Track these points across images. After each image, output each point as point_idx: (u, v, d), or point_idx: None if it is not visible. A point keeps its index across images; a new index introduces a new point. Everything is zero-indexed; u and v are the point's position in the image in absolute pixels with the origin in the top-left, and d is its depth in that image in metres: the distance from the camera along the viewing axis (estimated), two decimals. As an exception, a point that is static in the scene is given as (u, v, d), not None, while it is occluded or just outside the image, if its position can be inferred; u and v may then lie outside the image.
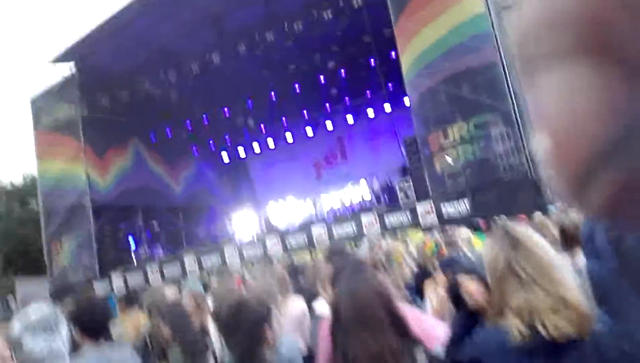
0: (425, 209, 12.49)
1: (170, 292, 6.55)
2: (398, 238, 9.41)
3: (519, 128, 11.79)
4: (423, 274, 5.61)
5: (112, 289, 15.27)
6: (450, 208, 11.96)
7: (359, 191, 18.52)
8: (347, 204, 18.10)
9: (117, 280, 16.00)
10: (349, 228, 13.58)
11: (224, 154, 23.95)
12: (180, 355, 2.95)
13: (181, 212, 21.81)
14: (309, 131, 22.18)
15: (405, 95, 13.61)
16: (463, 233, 6.45)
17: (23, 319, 2.10)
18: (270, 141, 23.13)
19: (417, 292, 5.58)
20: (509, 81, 12.18)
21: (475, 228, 7.41)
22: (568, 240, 4.54)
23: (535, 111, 0.32)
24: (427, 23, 12.32)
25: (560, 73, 0.29)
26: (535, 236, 1.63)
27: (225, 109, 21.11)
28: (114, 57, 16.97)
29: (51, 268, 17.56)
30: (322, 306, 3.86)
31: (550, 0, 0.29)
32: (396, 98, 18.06)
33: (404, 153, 15.42)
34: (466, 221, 9.42)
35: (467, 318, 1.89)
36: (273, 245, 14.46)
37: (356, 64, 18.65)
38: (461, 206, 11.77)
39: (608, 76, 0.27)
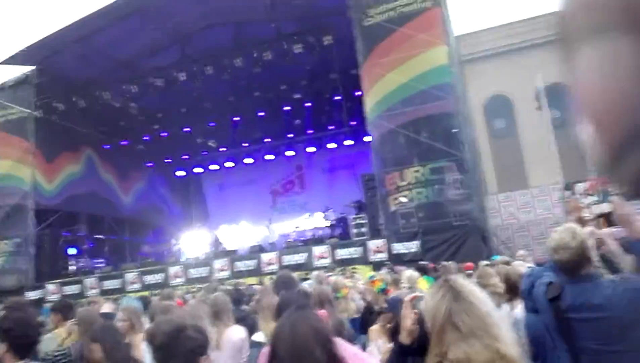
0: (376, 247, 12.65)
1: (107, 308, 6.35)
2: (347, 272, 9.49)
3: (471, 176, 12.24)
4: (369, 311, 5.67)
5: (45, 300, 14.48)
6: (401, 248, 12.16)
7: (313, 222, 18.58)
8: (299, 233, 18.11)
9: (52, 290, 15.22)
10: (299, 258, 13.53)
11: (180, 171, 23.59)
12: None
13: (128, 225, 21.17)
14: (269, 156, 22.21)
15: (367, 133, 13.91)
16: (409, 274, 6.60)
17: None
18: (228, 163, 22.96)
19: (362, 327, 5.62)
20: (465, 131, 12.72)
21: (424, 271, 7.56)
22: (511, 290, 4.73)
23: (574, 85, 0.33)
24: (391, 69, 12.77)
25: (602, 48, 0.30)
26: (476, 290, 1.71)
27: (186, 127, 20.88)
28: (76, 64, 16.60)
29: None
30: (261, 337, 3.83)
31: None
32: (357, 134, 18.43)
33: (361, 189, 15.67)
34: (415, 262, 9.60)
35: (400, 353, 1.93)
36: (221, 268, 14.20)
37: (321, 98, 18.98)
38: (412, 247, 11.98)
39: None
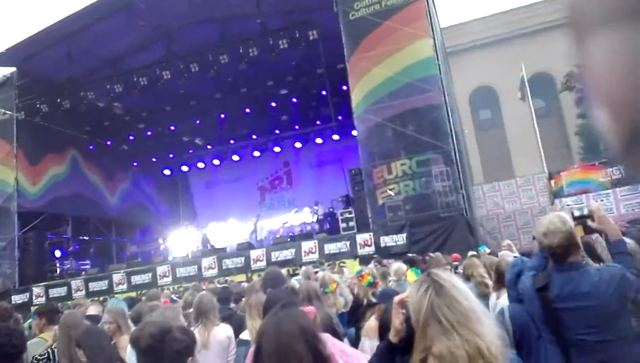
0: (364, 240, 12.68)
1: (93, 310, 6.28)
2: (336, 267, 9.50)
3: (457, 168, 12.32)
4: (357, 305, 5.68)
5: (31, 303, 14.31)
6: (389, 241, 12.20)
7: (301, 217, 18.59)
8: (288, 229, 18.10)
9: (38, 293, 15.04)
10: (288, 254, 13.52)
11: (166, 170, 23.41)
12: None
13: (114, 225, 20.98)
14: (256, 153, 22.12)
15: (354, 127, 13.91)
16: (396, 267, 6.62)
17: None
18: (215, 161, 22.83)
19: (350, 322, 5.63)
20: (451, 123, 12.78)
21: (412, 263, 7.60)
22: (500, 280, 4.76)
23: (587, 70, 0.33)
24: (377, 62, 12.78)
25: (618, 34, 0.30)
26: (459, 284, 1.71)
27: (172, 125, 20.71)
28: (58, 64, 16.34)
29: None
30: (247, 336, 3.82)
31: None
32: (344, 129, 18.42)
33: (349, 183, 15.68)
34: (403, 255, 9.65)
35: (387, 351, 1.93)
36: (208, 266, 14.14)
37: (308, 93, 18.92)
38: (399, 240, 12.04)
39: None
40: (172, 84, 16.73)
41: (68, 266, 17.97)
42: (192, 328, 4.24)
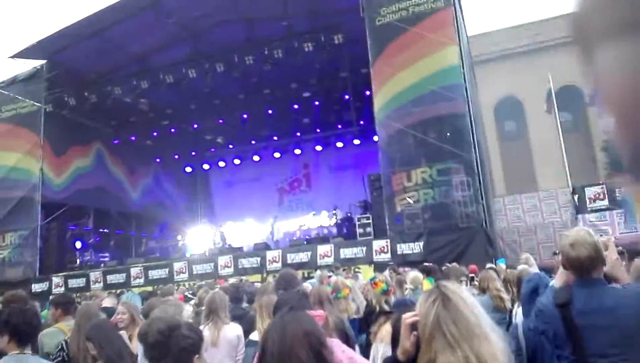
0: (380, 247, 12.59)
1: (108, 302, 6.36)
2: (350, 273, 9.46)
3: (478, 178, 12.15)
4: (370, 312, 5.63)
5: (51, 292, 14.59)
6: (405, 248, 12.10)
7: (318, 221, 18.57)
8: (305, 231, 18.10)
9: (57, 283, 15.32)
10: (303, 256, 13.51)
11: (188, 167, 23.66)
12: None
13: (135, 219, 21.29)
14: (277, 154, 22.20)
15: (375, 132, 13.84)
16: (413, 275, 6.56)
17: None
18: (236, 160, 22.98)
19: (362, 329, 5.58)
20: (474, 132, 12.62)
21: (428, 272, 7.52)
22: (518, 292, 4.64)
23: (595, 82, 0.32)
24: (402, 68, 12.69)
25: (624, 47, 0.29)
26: (468, 298, 1.68)
27: (195, 123, 20.94)
28: (87, 59, 16.69)
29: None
30: (257, 336, 3.81)
31: None
32: (366, 134, 18.36)
33: (367, 188, 15.61)
34: (419, 263, 9.55)
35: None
36: (224, 265, 14.22)
37: (331, 97, 18.92)
38: (416, 248, 11.92)
39: None
40: (197, 82, 16.93)
41: (88, 257, 18.27)
42: (202, 326, 4.27)
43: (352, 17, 13.89)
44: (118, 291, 11.94)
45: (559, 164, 18.14)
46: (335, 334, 3.52)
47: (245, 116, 20.71)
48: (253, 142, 22.35)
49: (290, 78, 17.96)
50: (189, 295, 7.90)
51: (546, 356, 2.57)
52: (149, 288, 13.12)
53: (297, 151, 21.94)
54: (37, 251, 16.10)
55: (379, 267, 11.20)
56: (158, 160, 22.79)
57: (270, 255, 13.97)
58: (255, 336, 4.00)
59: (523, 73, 25.73)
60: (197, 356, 2.07)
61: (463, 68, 12.77)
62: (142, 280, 14.74)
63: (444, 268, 8.35)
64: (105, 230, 19.89)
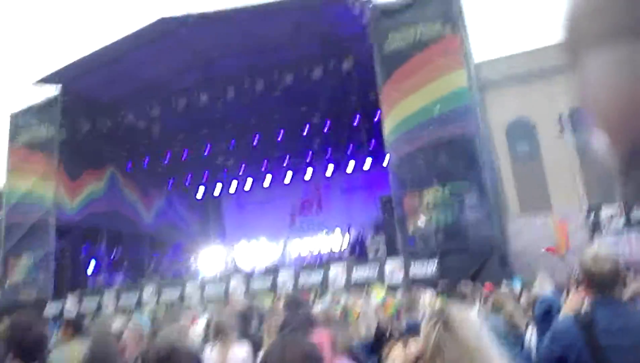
0: (393, 267, 12.47)
1: (118, 322, 6.35)
2: (362, 292, 9.34)
3: (491, 199, 12.04)
4: (380, 333, 5.54)
5: (63, 314, 14.62)
6: (418, 269, 11.96)
7: (330, 241, 18.47)
8: (317, 253, 18.00)
9: (70, 304, 15.37)
10: (315, 277, 13.42)
11: (200, 189, 23.80)
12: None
13: (147, 241, 21.37)
14: (288, 177, 22.24)
15: (385, 154, 13.85)
16: (428, 297, 6.45)
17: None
18: (247, 182, 23.08)
19: (372, 350, 5.47)
20: (485, 154, 12.56)
21: (440, 291, 7.41)
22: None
23: (582, 91, 0.32)
24: (411, 92, 12.78)
25: (611, 54, 0.29)
26: (471, 323, 1.65)
27: (207, 146, 21.17)
28: (101, 86, 17.10)
29: (4, 283, 16.85)
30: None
31: None
32: (376, 156, 18.35)
33: (379, 210, 15.54)
34: (432, 282, 9.42)
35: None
36: (236, 286, 14.15)
37: (341, 120, 19.04)
38: (429, 268, 11.78)
39: None
40: (208, 107, 17.20)
41: (101, 279, 18.35)
42: (209, 346, 4.24)
43: (360, 43, 14.10)
44: (128, 313, 11.91)
45: (573, 185, 17.90)
46: (342, 357, 3.46)
47: (256, 139, 20.89)
48: (264, 164, 22.45)
49: (301, 102, 18.15)
50: (201, 317, 7.86)
51: None
52: (161, 309, 13.10)
53: (309, 174, 21.97)
54: (51, 274, 16.23)
55: (392, 288, 11.05)
56: (170, 183, 23.01)
57: (282, 276, 13.89)
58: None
59: (534, 95, 25.59)
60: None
61: (471, 91, 12.79)
62: (154, 302, 14.73)
63: (462, 288, 8.20)
64: (118, 252, 19.99)
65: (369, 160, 19.49)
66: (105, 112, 17.97)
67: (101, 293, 15.64)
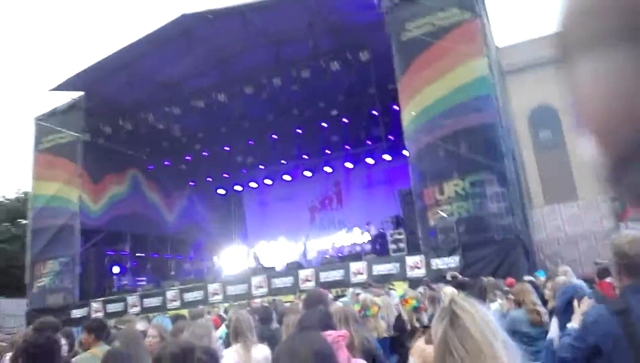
0: (414, 263, 12.34)
1: (140, 326, 6.41)
2: (382, 289, 9.26)
3: (513, 189, 11.80)
4: (400, 330, 5.46)
5: (90, 317, 14.87)
6: (440, 263, 11.81)
7: (351, 238, 18.41)
8: (337, 249, 17.96)
9: (96, 308, 15.63)
10: (336, 274, 13.37)
11: (220, 189, 23.98)
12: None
13: (170, 243, 21.64)
14: (307, 173, 22.25)
15: (405, 147, 13.69)
16: (449, 292, 6.34)
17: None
18: (267, 180, 23.16)
19: (393, 348, 5.40)
20: (507, 142, 12.31)
21: (463, 287, 7.29)
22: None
23: (573, 95, 0.32)
24: (429, 82, 12.56)
25: (602, 58, 0.29)
26: (481, 316, 1.57)
27: (226, 145, 21.30)
28: (122, 89, 17.28)
29: (31, 288, 17.23)
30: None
31: None
32: (395, 149, 18.20)
33: (399, 204, 15.40)
34: (454, 278, 9.28)
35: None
36: (258, 285, 14.20)
37: (359, 113, 18.94)
38: (451, 262, 11.61)
39: None
40: (227, 106, 17.28)
41: (125, 282, 18.63)
42: (230, 347, 4.22)
43: (377, 33, 13.90)
44: (151, 315, 12.07)
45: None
46: (361, 355, 3.40)
47: (275, 136, 20.94)
48: (283, 162, 22.49)
49: (318, 97, 18.10)
50: (224, 316, 7.90)
51: None
52: (185, 311, 13.23)
53: (328, 169, 21.93)
54: (76, 278, 16.52)
55: (414, 283, 10.94)
56: (192, 183, 23.25)
57: (303, 274, 13.89)
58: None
59: (557, 81, 25.05)
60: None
61: (492, 78, 12.53)
62: (178, 303, 14.89)
63: (483, 281, 8.07)
64: (142, 254, 20.26)
65: (388, 154, 19.36)
66: (126, 114, 18.18)
67: (126, 297, 15.85)
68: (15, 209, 29.68)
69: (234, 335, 4.32)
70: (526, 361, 1.62)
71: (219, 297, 14.43)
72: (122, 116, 18.13)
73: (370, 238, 17.16)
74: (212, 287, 14.85)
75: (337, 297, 9.69)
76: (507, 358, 1.48)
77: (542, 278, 7.86)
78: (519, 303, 4.52)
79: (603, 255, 11.83)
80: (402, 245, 13.59)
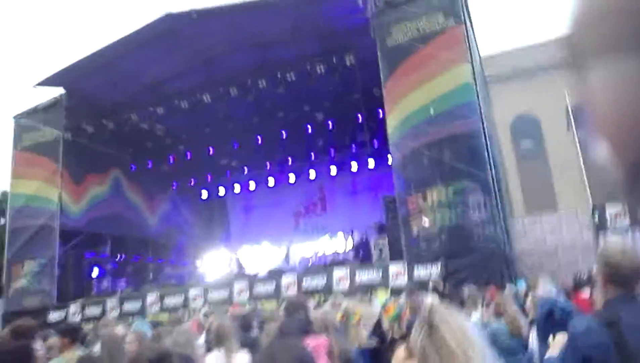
0: (397, 270, 12.34)
1: (120, 329, 6.29)
2: (364, 297, 9.24)
3: (496, 199, 11.89)
4: (380, 339, 5.44)
5: (66, 319, 14.59)
6: (422, 271, 11.83)
7: (334, 244, 18.39)
8: (321, 255, 17.92)
9: (74, 311, 15.33)
10: (319, 281, 13.30)
11: (204, 192, 23.78)
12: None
13: (151, 246, 21.36)
14: (292, 177, 22.21)
15: (389, 153, 13.73)
16: (429, 301, 6.33)
17: None
18: (251, 184, 23.05)
19: (373, 358, 5.37)
20: (490, 151, 12.41)
21: (443, 295, 7.31)
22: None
23: (585, 101, 0.33)
24: (414, 88, 12.62)
25: (614, 67, 0.29)
26: (457, 326, 1.57)
27: (210, 147, 21.15)
28: (104, 88, 17.07)
29: (8, 290, 16.84)
30: None
31: None
32: (380, 155, 18.27)
33: (383, 211, 15.43)
34: (435, 288, 9.31)
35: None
36: (240, 291, 14.08)
37: (344, 118, 18.96)
38: (433, 270, 11.64)
39: None
40: (211, 107, 17.16)
41: (105, 285, 18.32)
42: (211, 354, 4.15)
43: (362, 38, 13.95)
44: (130, 319, 11.88)
45: (578, 182, 17.76)
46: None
47: (259, 139, 20.85)
48: (268, 165, 22.42)
49: (304, 101, 18.10)
50: (202, 322, 7.78)
51: None
52: (165, 316, 13.05)
53: (312, 174, 21.91)
54: (54, 280, 16.18)
55: (396, 292, 10.94)
56: (174, 186, 23.01)
57: (285, 280, 13.79)
58: None
59: (539, 91, 25.47)
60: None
61: (476, 86, 12.65)
62: (157, 307, 14.67)
63: (464, 290, 8.10)
64: (122, 257, 19.97)
65: (373, 160, 19.43)
66: (109, 114, 17.92)
67: (104, 300, 15.57)
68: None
69: (216, 341, 4.26)
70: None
71: (200, 302, 14.26)
72: (104, 115, 17.87)
73: (353, 245, 17.16)
74: (193, 292, 14.66)
75: (318, 305, 9.64)
76: None
77: (523, 287, 7.92)
78: (499, 313, 4.53)
79: (582, 265, 12.01)
80: (384, 252, 13.59)
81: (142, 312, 14.49)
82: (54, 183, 17.04)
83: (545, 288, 4.55)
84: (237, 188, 23.50)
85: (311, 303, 7.31)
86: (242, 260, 18.16)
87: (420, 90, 12.61)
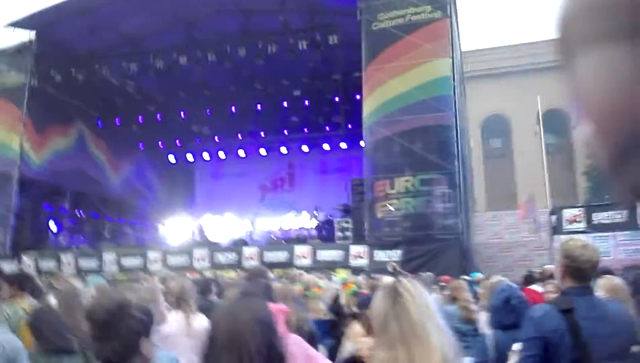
0: (358, 252, 12.57)
1: (75, 283, 6.22)
2: (323, 272, 9.39)
3: (460, 192, 12.20)
4: (338, 313, 5.57)
5: (21, 270, 14.23)
6: (382, 256, 12.08)
7: (298, 221, 18.50)
8: (285, 232, 18.02)
9: (27, 263, 14.96)
10: (281, 255, 13.42)
11: (171, 156, 23.38)
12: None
13: (112, 205, 20.91)
14: (263, 151, 22.09)
15: (362, 138, 13.83)
16: (387, 281, 6.51)
17: None
18: (221, 153, 22.80)
19: (330, 331, 5.50)
20: (460, 145, 12.68)
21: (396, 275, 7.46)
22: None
23: (573, 91, 0.33)
24: (394, 76, 12.72)
25: (601, 55, 0.30)
26: (421, 299, 1.65)
27: (182, 111, 20.70)
28: (78, 36, 16.38)
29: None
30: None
31: None
32: (353, 138, 18.36)
33: (350, 193, 15.59)
34: (395, 273, 9.51)
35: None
36: (200, 258, 14.04)
37: (321, 97, 18.88)
38: (393, 255, 11.90)
39: None
40: (188, 70, 16.73)
41: (61, 240, 17.91)
42: (169, 314, 4.17)
43: (348, 19, 13.88)
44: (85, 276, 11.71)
45: (540, 185, 18.34)
46: (296, 333, 3.45)
47: (233, 109, 20.53)
48: (240, 136, 22.19)
49: (282, 75, 17.88)
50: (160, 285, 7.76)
51: None
52: (123, 276, 12.90)
53: (283, 150, 21.86)
54: (8, 230, 15.70)
55: (356, 272, 11.15)
56: (142, 147, 22.47)
57: (247, 251, 13.85)
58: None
59: (512, 92, 26.01)
60: (145, 338, 1.97)
61: (454, 81, 12.83)
62: (115, 267, 14.49)
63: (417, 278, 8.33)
64: (81, 213, 19.52)
65: (345, 142, 19.50)
66: (80, 64, 17.12)
67: (59, 254, 15.24)
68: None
69: (177, 303, 4.27)
70: (457, 347, 1.70)
71: (159, 266, 14.14)
72: (75, 64, 17.12)
73: (317, 224, 17.30)
74: (152, 255, 14.52)
75: (278, 278, 9.74)
76: (438, 341, 1.55)
77: (477, 277, 8.19)
78: (453, 299, 4.71)
79: (536, 263, 12.49)
80: (348, 234, 13.79)
81: (99, 271, 14.27)
82: (16, 129, 16.39)
83: (498, 279, 4.76)
84: (206, 155, 23.22)
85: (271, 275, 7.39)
86: (204, 228, 18.05)
87: (399, 78, 12.73)
